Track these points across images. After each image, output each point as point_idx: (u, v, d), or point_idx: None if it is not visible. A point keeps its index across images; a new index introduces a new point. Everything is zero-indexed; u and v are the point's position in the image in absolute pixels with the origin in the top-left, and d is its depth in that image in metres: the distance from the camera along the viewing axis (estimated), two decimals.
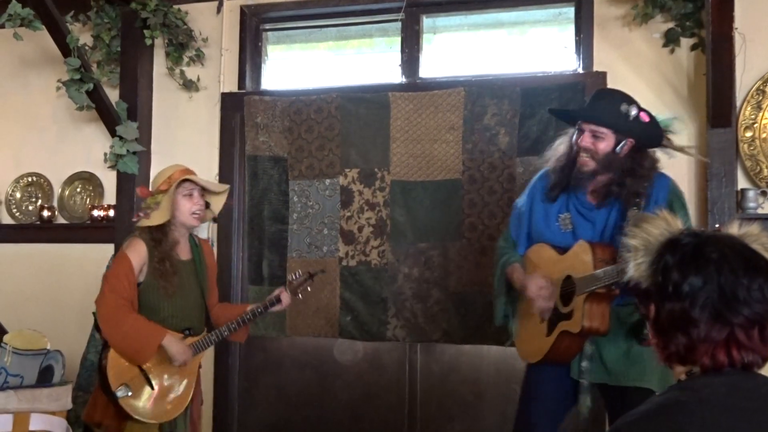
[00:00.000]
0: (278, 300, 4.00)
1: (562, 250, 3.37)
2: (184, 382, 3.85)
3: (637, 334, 3.24)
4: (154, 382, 3.78)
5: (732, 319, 1.63)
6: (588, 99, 3.52)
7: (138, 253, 3.83)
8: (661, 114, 3.50)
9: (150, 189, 3.95)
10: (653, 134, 3.36)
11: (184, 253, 3.95)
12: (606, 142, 3.30)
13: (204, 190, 3.96)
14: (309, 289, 4.14)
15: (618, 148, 3.30)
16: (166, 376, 3.80)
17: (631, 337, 3.27)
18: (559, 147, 3.50)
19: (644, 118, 3.33)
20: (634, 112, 3.31)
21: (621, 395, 3.27)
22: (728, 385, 1.61)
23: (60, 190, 5.63)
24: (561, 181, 3.43)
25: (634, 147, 3.33)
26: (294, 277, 4.12)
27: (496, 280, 3.64)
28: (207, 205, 3.98)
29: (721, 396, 1.59)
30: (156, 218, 3.83)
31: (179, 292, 3.87)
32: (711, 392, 1.60)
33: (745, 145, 4.27)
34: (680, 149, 3.48)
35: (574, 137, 3.37)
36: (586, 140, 3.31)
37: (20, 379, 4.27)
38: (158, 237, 3.83)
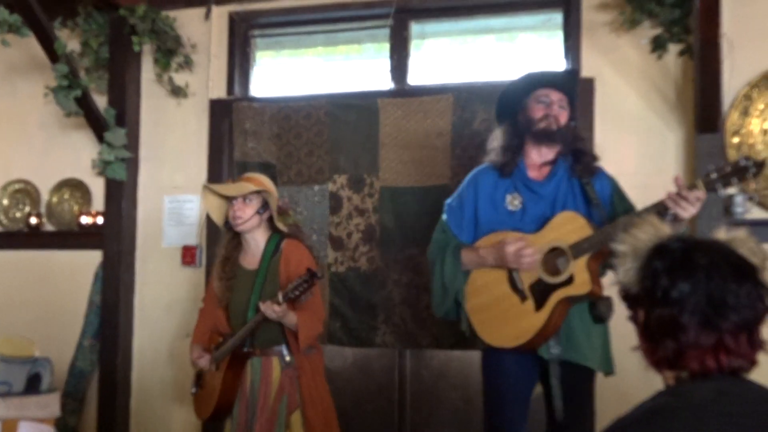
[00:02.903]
0: (263, 318, 3.71)
1: (528, 230, 3.38)
2: (213, 387, 3.95)
3: (592, 312, 3.34)
4: (201, 383, 4.06)
5: (721, 324, 1.64)
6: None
7: (215, 264, 4.07)
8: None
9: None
10: (581, 131, 3.59)
11: (249, 261, 3.93)
12: (565, 114, 3.43)
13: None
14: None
15: (571, 123, 3.47)
16: (212, 378, 3.98)
17: (588, 313, 3.35)
18: (498, 135, 3.59)
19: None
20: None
21: (570, 373, 3.34)
22: (716, 390, 1.62)
23: (48, 196, 5.61)
24: (514, 156, 3.48)
25: (576, 134, 3.51)
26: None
27: (448, 267, 3.48)
28: (266, 207, 3.88)
29: (710, 401, 1.60)
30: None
31: (233, 300, 3.92)
32: (699, 397, 1.61)
33: (733, 151, 4.29)
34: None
35: (531, 106, 3.44)
36: (556, 108, 3.41)
37: (8, 386, 4.25)
38: (229, 246, 4.00)
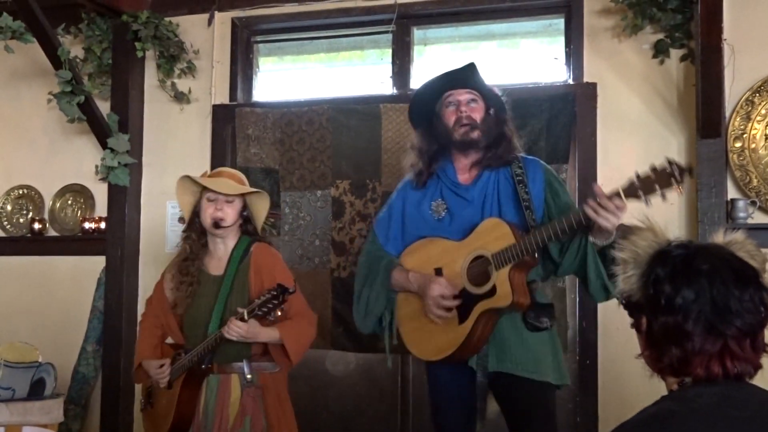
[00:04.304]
0: (221, 338, 3.40)
1: (456, 236, 3.29)
2: (171, 404, 3.60)
3: (525, 321, 3.23)
4: (152, 401, 3.74)
5: (725, 330, 1.64)
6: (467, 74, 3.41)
7: (171, 264, 3.76)
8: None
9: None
10: (501, 105, 3.43)
11: (215, 266, 3.62)
12: (479, 107, 3.36)
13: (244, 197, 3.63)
14: (279, 312, 3.39)
15: (490, 111, 3.37)
16: (164, 396, 3.66)
17: (522, 323, 3.24)
18: (415, 144, 3.51)
19: (495, 90, 3.44)
20: (488, 82, 3.44)
21: (514, 386, 3.22)
22: (720, 395, 1.62)
23: (51, 202, 5.62)
24: (429, 164, 3.40)
25: (496, 117, 3.39)
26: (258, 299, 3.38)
27: (378, 284, 3.42)
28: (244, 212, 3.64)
29: (713, 406, 1.60)
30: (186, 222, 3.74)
31: (193, 308, 3.58)
32: (703, 402, 1.61)
33: (735, 156, 4.29)
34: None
35: (443, 112, 3.37)
36: (465, 107, 3.33)
37: (12, 392, 4.26)
38: (195, 245, 3.64)
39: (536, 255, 3.15)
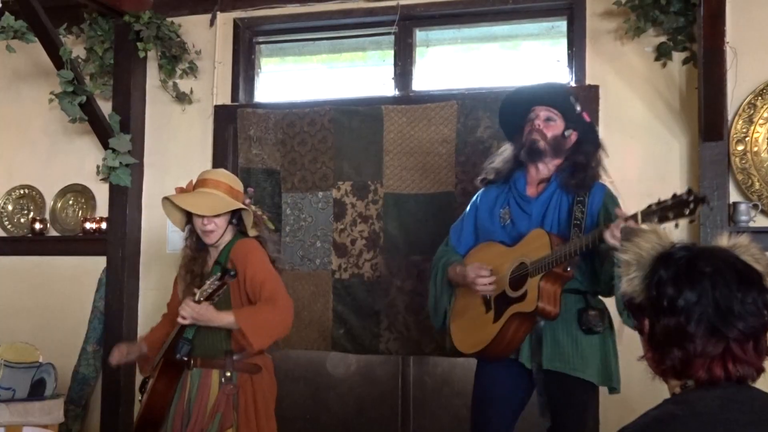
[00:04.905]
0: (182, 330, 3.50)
1: (511, 243, 3.47)
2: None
3: (580, 323, 3.34)
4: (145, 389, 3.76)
5: (727, 333, 1.63)
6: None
7: (180, 266, 3.83)
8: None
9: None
10: (592, 136, 3.54)
11: (210, 264, 3.66)
12: (556, 126, 3.47)
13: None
14: (222, 293, 3.39)
15: (566, 132, 3.47)
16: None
17: (576, 325, 3.34)
18: (504, 150, 3.71)
19: (586, 117, 3.54)
20: (579, 107, 3.53)
21: (559, 382, 3.33)
22: (722, 399, 1.62)
23: (52, 202, 5.62)
24: (508, 166, 3.60)
25: (578, 141, 3.49)
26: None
27: (438, 281, 3.69)
28: (237, 218, 3.64)
29: (715, 409, 1.60)
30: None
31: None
32: (705, 405, 1.61)
33: (737, 159, 4.29)
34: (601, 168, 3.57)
35: (525, 126, 3.51)
36: (540, 123, 3.46)
37: (12, 392, 4.26)
38: (194, 247, 3.74)
39: (568, 268, 3.26)
